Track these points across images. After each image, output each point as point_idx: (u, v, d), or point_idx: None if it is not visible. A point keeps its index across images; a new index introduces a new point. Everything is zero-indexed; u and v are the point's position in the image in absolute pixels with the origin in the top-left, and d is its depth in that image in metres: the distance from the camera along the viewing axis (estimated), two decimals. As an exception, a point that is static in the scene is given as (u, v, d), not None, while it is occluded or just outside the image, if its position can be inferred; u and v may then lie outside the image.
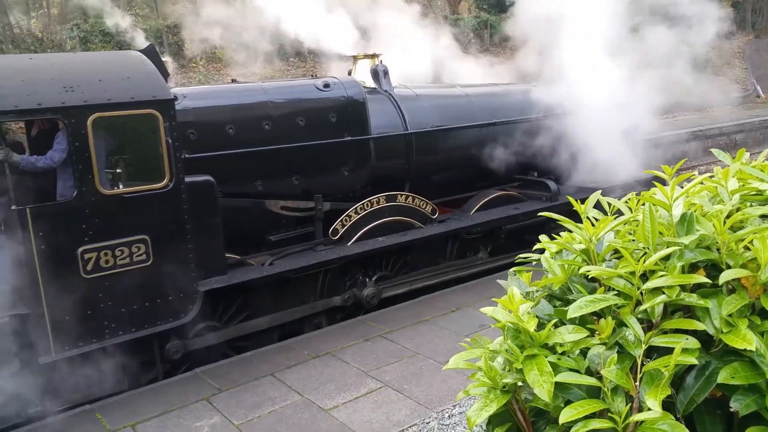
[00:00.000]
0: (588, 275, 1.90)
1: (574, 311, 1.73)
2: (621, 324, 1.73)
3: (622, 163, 8.88)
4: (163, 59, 6.60)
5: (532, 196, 8.69)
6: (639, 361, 1.63)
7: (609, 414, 1.60)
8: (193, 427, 4.87)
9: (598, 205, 2.23)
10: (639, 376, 1.61)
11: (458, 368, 1.89)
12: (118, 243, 5.29)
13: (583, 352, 1.75)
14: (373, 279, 7.23)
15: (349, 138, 6.98)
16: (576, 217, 2.16)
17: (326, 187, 6.99)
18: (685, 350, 1.56)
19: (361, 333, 6.40)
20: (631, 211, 2.11)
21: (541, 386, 1.63)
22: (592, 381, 1.65)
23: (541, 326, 1.81)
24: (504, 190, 8.62)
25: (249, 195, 6.50)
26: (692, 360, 1.55)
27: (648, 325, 1.73)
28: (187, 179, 5.66)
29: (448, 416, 4.79)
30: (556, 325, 1.81)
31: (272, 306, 6.51)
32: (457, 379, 5.27)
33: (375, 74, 7.85)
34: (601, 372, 1.64)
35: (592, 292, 1.86)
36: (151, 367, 5.83)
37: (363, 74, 7.96)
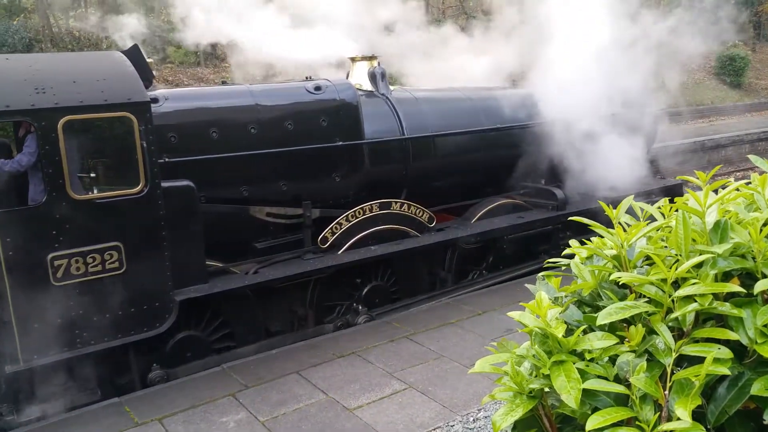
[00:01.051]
0: (619, 281, 1.87)
1: (603, 318, 1.71)
2: (651, 332, 1.71)
3: (638, 172, 8.65)
4: (149, 59, 6.46)
5: (539, 204, 8.41)
6: (669, 370, 1.61)
7: (637, 422, 1.58)
8: (219, 422, 4.92)
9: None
10: (668, 384, 1.59)
11: (484, 372, 1.88)
12: (89, 250, 5.13)
13: (612, 360, 1.73)
14: (363, 303, 6.98)
15: (340, 143, 6.76)
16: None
17: (316, 194, 6.77)
18: (716, 360, 1.53)
19: (386, 334, 6.40)
20: (664, 218, 2.07)
21: (569, 392, 1.61)
22: (620, 388, 1.63)
23: (569, 332, 1.79)
24: (510, 198, 8.35)
25: (234, 201, 6.32)
26: (724, 370, 1.52)
27: (679, 333, 1.70)
28: (165, 184, 5.50)
29: (473, 420, 4.77)
30: (585, 332, 1.79)
31: (259, 316, 6.37)
32: (483, 383, 5.24)
33: (372, 77, 7.63)
34: (630, 380, 1.62)
35: (623, 298, 1.84)
36: (127, 378, 5.69)
37: (360, 77, 7.73)
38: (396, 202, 7.11)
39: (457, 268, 7.74)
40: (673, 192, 8.95)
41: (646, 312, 1.72)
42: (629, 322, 1.77)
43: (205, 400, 5.26)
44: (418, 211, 7.28)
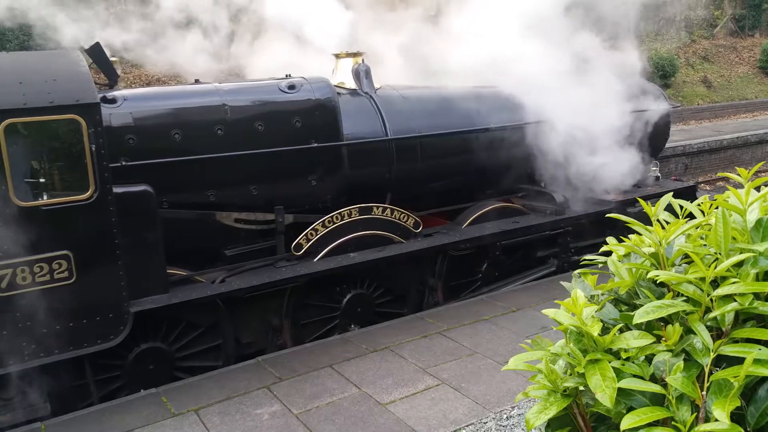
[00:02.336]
0: (656, 280, 1.85)
1: (640, 316, 1.69)
2: (689, 331, 1.69)
3: (643, 173, 8.47)
4: (113, 58, 6.25)
5: (537, 208, 7.98)
6: (707, 370, 1.59)
7: (673, 423, 1.56)
8: (253, 414, 5.00)
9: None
10: (706, 385, 1.57)
11: (518, 369, 1.88)
12: (36, 259, 4.86)
13: (648, 359, 1.71)
14: (343, 313, 6.68)
15: (315, 144, 6.34)
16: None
17: (290, 198, 6.41)
18: (757, 361, 1.50)
19: (419, 329, 6.41)
20: (704, 215, 2.04)
21: (603, 391, 1.60)
22: (656, 388, 1.61)
23: (605, 330, 1.78)
24: (508, 201, 7.97)
25: (200, 206, 5.99)
26: (765, 372, 1.49)
27: (717, 333, 1.68)
28: (119, 189, 5.23)
29: (506, 417, 4.75)
30: (621, 330, 1.78)
31: (229, 326, 6.09)
32: (516, 381, 5.22)
33: (357, 75, 7.22)
34: (666, 379, 1.60)
35: (660, 297, 1.82)
36: (85, 391, 5.47)
37: (345, 74, 7.32)
38: (378, 207, 6.72)
39: (448, 273, 7.35)
40: (683, 196, 8.71)
41: (684, 311, 1.70)
42: (666, 321, 1.75)
43: (240, 391, 5.35)
44: (402, 216, 6.88)
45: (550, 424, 1.86)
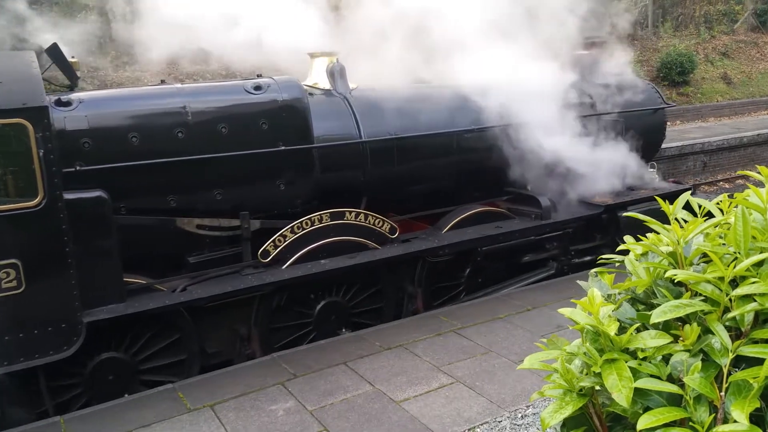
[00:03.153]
0: (674, 279, 1.83)
1: (657, 316, 1.68)
2: (707, 331, 1.67)
3: (636, 175, 8.30)
4: (73, 59, 6.08)
5: (522, 212, 7.69)
6: (725, 371, 1.57)
7: (690, 423, 1.54)
8: (268, 410, 5.02)
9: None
10: (725, 386, 1.55)
11: (533, 369, 1.87)
12: None
13: (666, 359, 1.70)
14: (315, 321, 6.49)
15: (283, 147, 6.10)
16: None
17: (258, 203, 6.20)
18: (777, 362, 1.48)
19: (433, 327, 6.40)
20: (723, 214, 2.02)
21: (620, 391, 1.59)
22: (673, 388, 1.59)
23: (622, 330, 1.76)
24: (493, 204, 7.71)
25: (160, 211, 5.80)
26: (785, 373, 1.47)
27: (736, 333, 1.66)
28: (70, 196, 5.08)
29: (521, 416, 4.73)
30: (638, 330, 1.76)
31: (195, 335, 5.93)
32: (531, 380, 5.20)
33: (331, 74, 6.98)
34: (684, 379, 1.58)
35: (678, 296, 1.80)
36: (37, 402, 5.33)
37: (320, 74, 7.07)
38: (351, 212, 6.47)
39: (430, 281, 7.15)
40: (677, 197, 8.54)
41: (702, 311, 1.68)
42: (684, 320, 1.73)
43: (255, 387, 5.37)
44: (377, 221, 6.62)
45: (566, 423, 1.85)
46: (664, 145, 16.73)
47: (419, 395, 5.12)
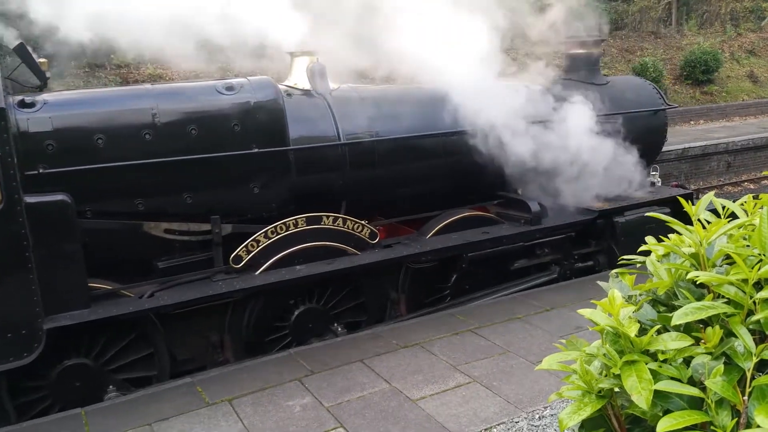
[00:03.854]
0: (696, 281, 1.81)
1: (679, 318, 1.66)
2: (729, 334, 1.64)
3: (633, 179, 8.01)
4: (41, 60, 5.95)
5: (512, 217, 7.42)
6: (749, 375, 1.54)
7: (712, 427, 1.52)
8: (285, 405, 5.05)
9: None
10: (748, 390, 1.53)
11: (551, 369, 1.86)
12: None
13: (687, 361, 1.68)
14: (293, 329, 6.29)
15: (256, 149, 5.89)
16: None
17: (230, 207, 6.02)
18: (802, 367, 1.46)
19: (450, 326, 6.38)
20: (747, 215, 1.98)
21: (639, 393, 1.57)
22: (694, 391, 1.57)
23: (642, 332, 1.74)
24: (483, 209, 7.46)
25: (128, 215, 5.64)
26: (810, 378, 1.45)
27: (760, 336, 1.63)
28: (31, 199, 4.96)
29: (539, 417, 4.70)
30: (658, 332, 1.74)
31: (165, 343, 5.80)
32: (549, 381, 5.16)
33: (311, 74, 6.72)
34: (706, 383, 1.56)
35: (700, 298, 1.78)
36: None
37: (300, 74, 6.82)
38: (328, 217, 6.25)
39: (414, 288, 6.92)
40: (677, 203, 8.20)
41: (725, 313, 1.66)
42: (706, 323, 1.71)
43: (272, 383, 5.40)
44: (356, 226, 6.40)
45: (584, 425, 1.84)
46: (686, 145, 16.60)
47: (436, 394, 5.11)
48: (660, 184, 8.73)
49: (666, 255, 2.01)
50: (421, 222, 7.20)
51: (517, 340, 6.00)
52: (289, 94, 6.46)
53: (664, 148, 16.33)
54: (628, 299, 1.96)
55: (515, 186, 7.55)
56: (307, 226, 6.13)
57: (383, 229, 7.36)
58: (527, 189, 7.53)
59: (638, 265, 2.11)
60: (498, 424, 4.64)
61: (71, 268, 5.19)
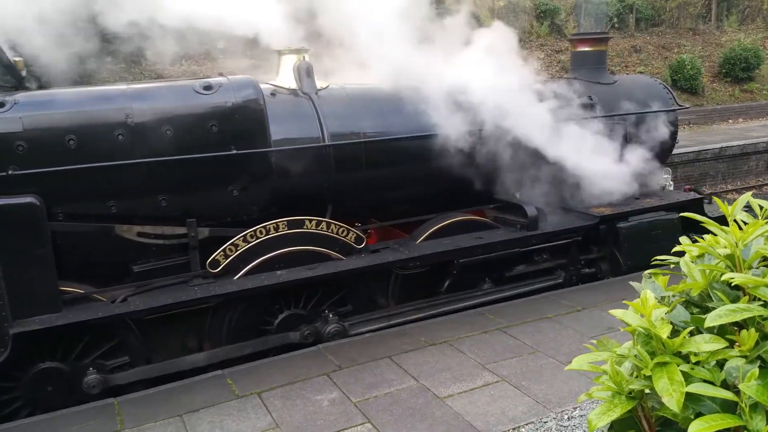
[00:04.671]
0: (731, 283, 1.77)
1: (713, 320, 1.63)
2: (765, 337, 1.61)
3: (640, 183, 7.74)
4: (17, 58, 5.81)
5: (508, 221, 7.17)
6: (785, 380, 1.51)
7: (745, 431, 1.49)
8: (314, 399, 5.09)
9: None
10: (784, 395, 1.49)
11: (581, 370, 1.84)
12: None
13: (720, 364, 1.65)
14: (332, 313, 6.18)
15: (235, 151, 5.70)
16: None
17: (208, 210, 5.86)
18: (841, 372, 1.42)
19: (479, 325, 6.36)
20: (786, 217, 1.94)
21: (671, 395, 1.55)
22: (728, 395, 1.54)
23: (674, 333, 1.72)
24: (479, 213, 7.21)
25: (101, 218, 5.51)
26: None
27: (798, 341, 1.59)
28: None
29: (568, 418, 4.66)
30: (691, 333, 1.71)
31: (142, 347, 5.73)
32: (579, 381, 5.11)
33: (298, 73, 6.53)
34: (740, 386, 1.53)
35: (735, 300, 1.74)
36: None
37: (288, 72, 6.63)
38: (311, 221, 6.06)
39: (404, 294, 6.72)
40: (687, 209, 7.54)
41: (761, 316, 1.62)
42: (741, 325, 1.68)
43: (301, 377, 5.45)
44: (341, 230, 6.21)
45: (614, 426, 1.82)
46: (723, 144, 16.23)
47: (463, 392, 5.10)
48: (672, 187, 8.45)
49: (700, 256, 1.98)
50: (415, 226, 7.00)
51: (547, 340, 5.96)
52: (273, 94, 6.33)
53: (701, 147, 16.01)
54: (661, 300, 1.94)
55: (513, 190, 7.32)
56: (288, 230, 5.97)
57: (375, 232, 7.26)
58: (526, 192, 7.30)
59: (672, 266, 2.08)
60: (526, 424, 4.61)
61: (41, 271, 5.12)
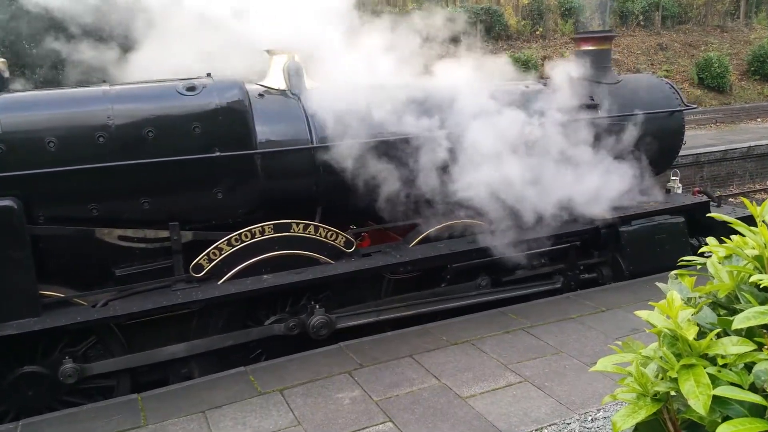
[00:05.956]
0: (760, 284, 1.74)
1: (740, 322, 1.60)
2: (796, 341, 1.58)
3: (647, 186, 7.52)
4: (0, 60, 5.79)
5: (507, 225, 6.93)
6: (816, 384, 1.48)
7: (775, 437, 1.47)
8: (335, 397, 5.11)
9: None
10: (814, 399, 1.47)
11: (606, 371, 1.82)
12: None
13: (748, 367, 1.62)
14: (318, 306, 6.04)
15: (218, 153, 5.59)
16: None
17: (191, 213, 5.78)
18: None
19: (501, 325, 6.33)
20: (817, 218, 1.90)
21: (697, 398, 1.53)
22: (756, 398, 1.52)
23: (701, 335, 1.69)
24: (471, 218, 6.80)
25: (81, 221, 5.46)
26: None
27: (829, 344, 1.56)
28: None
29: (591, 419, 4.62)
30: (718, 335, 1.69)
31: (125, 352, 5.65)
32: (603, 383, 5.06)
33: (287, 73, 6.42)
34: (769, 390, 1.51)
35: (764, 303, 1.71)
36: None
37: (278, 73, 6.53)
38: (298, 224, 5.95)
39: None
40: (693, 212, 7.62)
41: (791, 319, 1.59)
42: (770, 328, 1.65)
43: (322, 375, 5.47)
44: (329, 234, 6.10)
45: (638, 428, 1.80)
46: (751, 143, 15.94)
47: (486, 392, 5.09)
48: (680, 190, 8.24)
49: (728, 257, 1.95)
50: (411, 229, 6.86)
51: (571, 341, 5.91)
52: (261, 95, 6.24)
53: (728, 147, 15.73)
54: (687, 301, 1.91)
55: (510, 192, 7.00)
56: (274, 233, 5.88)
57: (369, 235, 7.19)
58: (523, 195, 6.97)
59: (698, 267, 2.05)
60: (549, 425, 4.58)
61: (19, 275, 5.10)
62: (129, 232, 5.67)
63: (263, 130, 5.95)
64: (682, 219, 7.47)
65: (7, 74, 5.93)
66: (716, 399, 1.54)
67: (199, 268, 5.72)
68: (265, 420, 4.84)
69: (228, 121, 5.69)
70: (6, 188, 5.07)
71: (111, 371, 5.58)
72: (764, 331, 1.66)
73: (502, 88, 6.95)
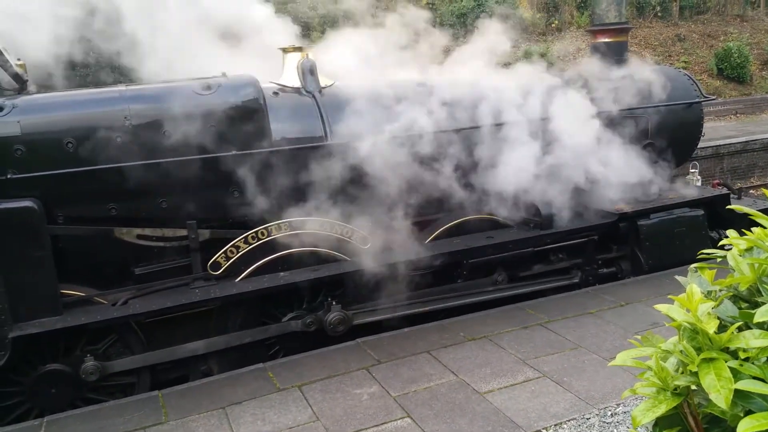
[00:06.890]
0: (782, 277, 1.72)
1: (763, 315, 1.58)
2: (819, 334, 1.56)
3: (666, 179, 7.39)
4: (19, 61, 5.85)
5: (522, 220, 6.98)
6: (840, 377, 1.46)
7: (798, 431, 1.45)
8: (353, 393, 5.12)
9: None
10: (839, 393, 1.44)
11: (625, 366, 1.81)
12: None
13: (771, 361, 1.60)
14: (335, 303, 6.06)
15: (234, 152, 5.63)
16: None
17: (209, 211, 5.82)
18: None
19: (519, 320, 6.31)
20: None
21: (718, 392, 1.51)
22: (779, 393, 1.50)
23: (722, 328, 1.68)
24: (491, 212, 6.79)
25: (100, 221, 5.54)
26: None
27: None
28: None
29: (611, 414, 4.59)
30: (740, 329, 1.67)
31: (145, 350, 5.70)
32: (623, 377, 5.02)
33: (301, 71, 6.45)
34: (792, 384, 1.49)
35: (786, 295, 1.69)
36: None
37: (292, 71, 6.54)
38: (314, 221, 5.98)
39: (413, 294, 6.53)
40: (713, 205, 7.49)
41: (815, 312, 1.57)
42: (793, 321, 1.62)
43: (340, 371, 5.49)
44: (345, 231, 6.10)
45: (658, 422, 1.79)
46: (779, 135, 15.68)
47: (504, 388, 5.07)
48: (700, 182, 8.13)
49: (749, 249, 1.92)
50: (428, 223, 6.83)
51: (589, 336, 5.87)
52: (275, 93, 6.27)
53: (749, 138, 15.51)
54: (707, 295, 1.89)
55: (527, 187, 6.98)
56: (290, 231, 5.93)
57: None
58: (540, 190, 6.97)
59: (718, 260, 2.02)
60: (568, 420, 4.56)
61: (40, 275, 5.17)
62: (147, 231, 5.73)
63: (279, 128, 5.99)
64: (701, 212, 7.39)
65: (27, 77, 6.00)
66: (738, 393, 1.53)
67: (216, 265, 5.78)
68: (284, 416, 4.87)
69: (244, 120, 5.73)
70: (26, 189, 5.15)
71: (131, 368, 5.63)
72: (787, 324, 1.64)
73: (531, 81, 6.97)
